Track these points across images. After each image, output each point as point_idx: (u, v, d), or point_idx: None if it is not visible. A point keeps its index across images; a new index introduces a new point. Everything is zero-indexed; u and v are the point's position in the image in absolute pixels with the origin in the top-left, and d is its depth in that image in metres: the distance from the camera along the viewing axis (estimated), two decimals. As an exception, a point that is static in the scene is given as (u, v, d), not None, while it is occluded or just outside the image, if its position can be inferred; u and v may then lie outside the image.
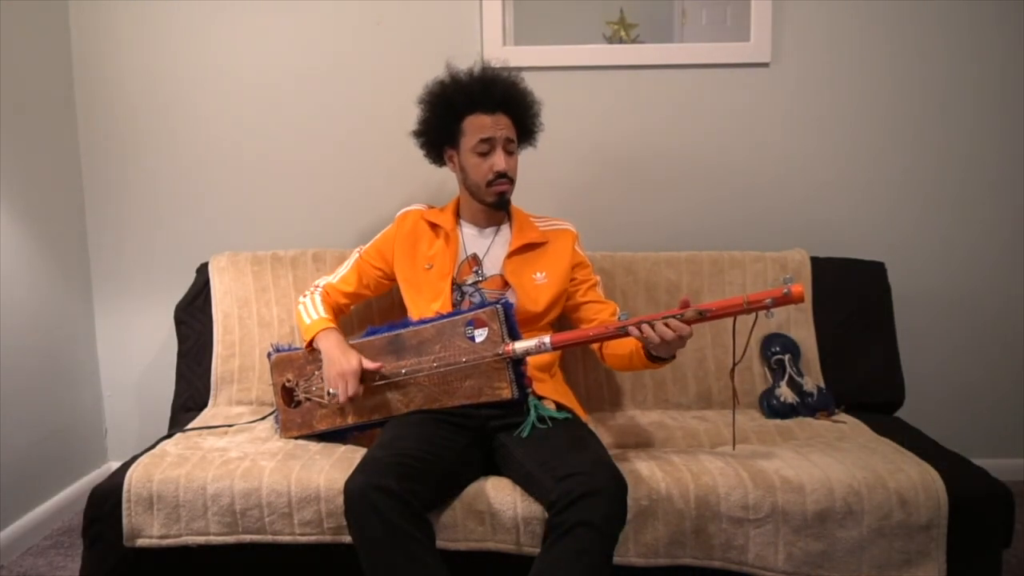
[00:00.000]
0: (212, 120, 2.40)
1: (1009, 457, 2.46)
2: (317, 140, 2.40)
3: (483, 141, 1.81)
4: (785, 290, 1.50)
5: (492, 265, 1.89)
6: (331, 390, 1.76)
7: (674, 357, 1.66)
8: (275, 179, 2.42)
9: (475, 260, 1.89)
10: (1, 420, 2.09)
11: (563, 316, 1.95)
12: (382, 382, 1.76)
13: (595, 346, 1.85)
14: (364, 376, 1.74)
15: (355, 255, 2.02)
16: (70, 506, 2.33)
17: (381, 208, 2.29)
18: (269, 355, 1.96)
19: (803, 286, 1.86)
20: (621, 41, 2.37)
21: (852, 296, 2.18)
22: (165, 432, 2.01)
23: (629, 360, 1.74)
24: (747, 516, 1.58)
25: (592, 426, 1.85)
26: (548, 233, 1.93)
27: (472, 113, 1.83)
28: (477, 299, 1.84)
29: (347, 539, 1.55)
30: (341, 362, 1.74)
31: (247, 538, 1.62)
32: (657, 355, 1.63)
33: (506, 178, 1.83)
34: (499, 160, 1.81)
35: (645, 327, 1.55)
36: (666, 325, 1.54)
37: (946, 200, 2.39)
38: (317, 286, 2.00)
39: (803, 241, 2.32)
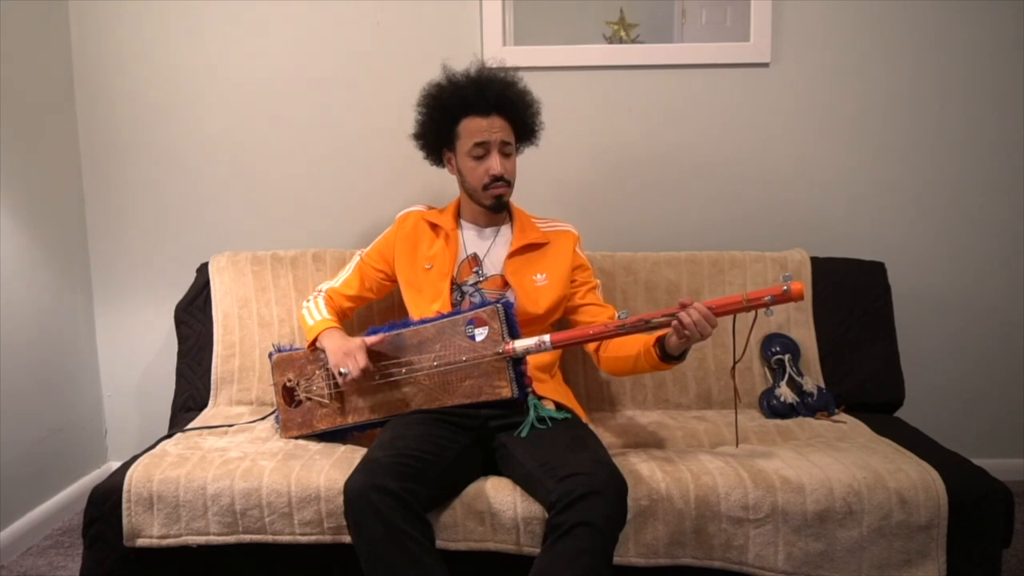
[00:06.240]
0: (212, 120, 2.40)
1: (1009, 457, 2.46)
2: (317, 140, 2.40)
3: (478, 144, 1.81)
4: (784, 287, 1.50)
5: (492, 265, 1.88)
6: (342, 369, 1.72)
7: (684, 358, 1.66)
8: (275, 179, 2.42)
9: (475, 260, 1.89)
10: (1, 420, 2.09)
11: (563, 318, 1.94)
12: (383, 381, 1.76)
13: (592, 350, 1.85)
14: (366, 371, 1.73)
15: (356, 258, 2.02)
16: (70, 506, 2.33)
17: (381, 209, 2.30)
18: (270, 355, 1.96)
19: (802, 284, 1.86)
20: (621, 41, 2.37)
21: (852, 296, 2.18)
22: (165, 432, 2.01)
23: (634, 362, 1.72)
24: (747, 516, 1.58)
25: (592, 426, 1.85)
26: (549, 234, 1.93)
27: (467, 116, 1.82)
28: (477, 299, 1.84)
29: (347, 539, 1.55)
30: (345, 345, 1.75)
31: (247, 538, 1.63)
32: (672, 353, 1.63)
33: (502, 181, 1.83)
34: (495, 163, 1.81)
35: (683, 313, 1.53)
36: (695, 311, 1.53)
37: (946, 200, 2.39)
38: (320, 291, 1.99)
39: (803, 241, 2.32)
